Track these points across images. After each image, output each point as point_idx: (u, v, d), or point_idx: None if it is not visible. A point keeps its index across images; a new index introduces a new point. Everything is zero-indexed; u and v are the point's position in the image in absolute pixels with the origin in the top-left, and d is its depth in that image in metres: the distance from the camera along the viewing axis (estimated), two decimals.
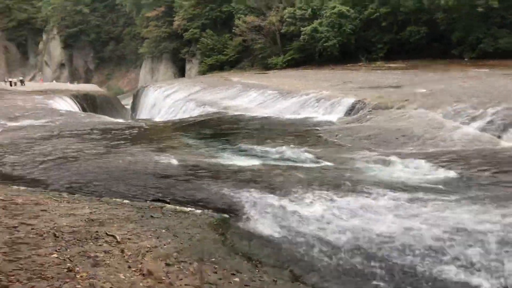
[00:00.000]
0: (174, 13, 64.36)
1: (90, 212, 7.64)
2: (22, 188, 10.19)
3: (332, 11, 41.65)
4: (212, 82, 31.38)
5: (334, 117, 19.02)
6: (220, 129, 17.63)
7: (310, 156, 12.65)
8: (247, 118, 19.92)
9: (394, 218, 7.61)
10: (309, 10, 44.38)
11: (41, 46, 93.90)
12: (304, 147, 13.62)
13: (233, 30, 53.69)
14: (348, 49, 43.68)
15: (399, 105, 17.17)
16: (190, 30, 60.22)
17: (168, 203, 8.90)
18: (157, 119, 27.42)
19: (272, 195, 8.92)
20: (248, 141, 14.95)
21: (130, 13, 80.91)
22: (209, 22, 59.59)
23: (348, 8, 41.80)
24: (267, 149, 13.62)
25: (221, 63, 57.30)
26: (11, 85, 49.24)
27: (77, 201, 8.67)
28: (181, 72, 69.18)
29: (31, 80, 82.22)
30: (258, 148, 13.89)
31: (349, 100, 19.50)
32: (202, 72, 58.75)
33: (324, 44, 42.27)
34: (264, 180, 10.09)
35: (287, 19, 46.30)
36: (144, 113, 32.38)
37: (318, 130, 16.70)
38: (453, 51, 38.08)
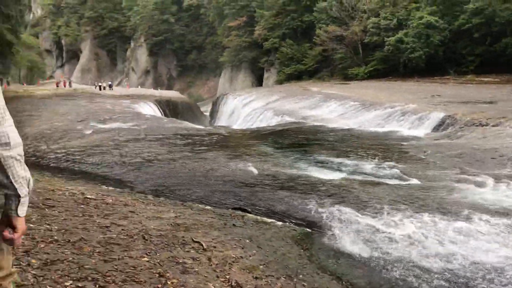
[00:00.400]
0: (255, 23, 65.44)
1: (175, 216, 7.75)
2: (110, 188, 10.65)
3: (420, 21, 40.08)
4: (291, 91, 31.33)
5: (421, 132, 18.15)
6: (299, 139, 17.44)
7: (396, 172, 12.09)
8: (327, 129, 19.56)
9: (495, 245, 6.98)
10: (395, 20, 43.12)
11: (129, 53, 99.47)
12: (389, 162, 13.07)
13: (313, 40, 53.49)
14: (435, 61, 41.77)
15: (495, 122, 16.01)
16: (270, 40, 60.89)
17: (250, 212, 8.85)
18: (235, 126, 27.79)
19: (356, 212, 8.57)
20: (329, 153, 14.62)
21: (213, 22, 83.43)
22: (289, 31, 59.91)
23: (436, 18, 40.03)
24: (350, 162, 13.21)
25: (299, 73, 57.25)
26: (100, 89, 52.50)
27: (162, 204, 8.86)
28: (259, 81, 70.03)
29: (118, 85, 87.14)
30: (340, 161, 13.52)
31: (438, 115, 18.52)
32: (280, 82, 59.02)
33: (410, 55, 40.75)
34: (347, 195, 9.75)
35: (370, 29, 45.32)
36: (222, 120, 33.04)
37: (404, 145, 15.99)
38: None
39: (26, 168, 1.82)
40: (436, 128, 18.08)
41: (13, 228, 1.78)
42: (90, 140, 17.07)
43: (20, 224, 1.79)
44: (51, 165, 13.20)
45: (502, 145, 13.65)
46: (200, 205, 9.23)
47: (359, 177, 11.72)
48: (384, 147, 15.71)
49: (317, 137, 17.77)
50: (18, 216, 1.78)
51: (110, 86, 55.25)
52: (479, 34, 38.99)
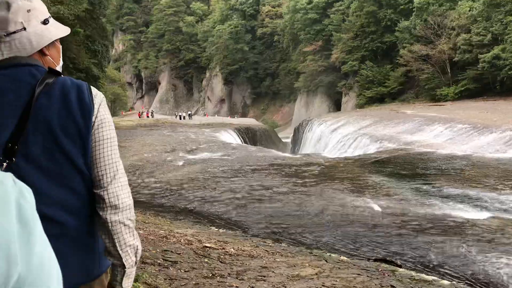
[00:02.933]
0: (332, 47, 64.06)
1: (316, 274, 6.30)
2: (221, 230, 9.44)
3: None
4: (382, 115, 29.33)
5: None
6: (412, 168, 15.52)
7: None
8: (439, 156, 17.44)
9: None
10: (489, 35, 39.84)
11: (204, 83, 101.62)
12: None
13: (395, 61, 51.03)
14: None
15: None
16: (348, 63, 59.09)
17: (400, 266, 7.19)
18: (325, 154, 26.18)
19: None
20: (455, 185, 12.63)
21: (287, 49, 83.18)
22: (368, 53, 57.84)
23: None
24: (486, 195, 11.18)
25: (381, 96, 54.73)
26: (180, 119, 53.23)
27: (290, 254, 7.44)
28: (336, 106, 68.14)
29: (194, 114, 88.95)
30: (473, 194, 11.51)
31: None
32: (360, 105, 56.76)
33: (509, 73, 37.24)
34: (510, 241, 7.81)
35: (461, 46, 42.25)
36: (308, 148, 31.55)
37: None
38: None
39: (136, 234, 1.57)
40: None
41: None
42: (184, 173, 16.23)
43: None
44: (150, 201, 12.32)
45: None
46: (332, 255, 7.70)
47: (505, 216, 9.68)
48: None
49: (432, 166, 15.75)
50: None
51: (190, 115, 56.00)
52: None
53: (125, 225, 1.53)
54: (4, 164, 1.38)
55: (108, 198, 1.50)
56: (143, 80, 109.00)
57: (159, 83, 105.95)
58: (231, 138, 37.55)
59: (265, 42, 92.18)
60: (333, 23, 64.80)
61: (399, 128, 23.80)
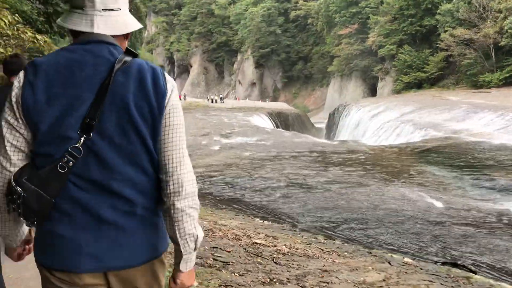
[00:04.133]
0: (368, 30, 62.08)
1: (384, 280, 5.55)
2: (266, 222, 8.77)
3: None
4: (425, 101, 27.98)
5: None
6: (466, 160, 14.46)
7: None
8: (493, 147, 16.29)
9: None
10: None
11: (236, 66, 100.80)
12: None
13: (437, 45, 48.89)
14: None
15: None
16: (386, 47, 57.07)
17: (474, 272, 6.36)
18: (364, 141, 25.17)
19: None
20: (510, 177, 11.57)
21: (321, 32, 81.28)
22: (407, 37, 55.69)
23: None
24: None
25: (419, 81, 52.76)
26: (212, 102, 52.77)
27: (348, 255, 6.70)
28: (371, 91, 66.36)
29: (225, 97, 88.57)
30: None
31: None
32: (397, 91, 54.95)
33: None
34: None
35: (508, 30, 39.97)
36: (344, 134, 30.49)
37: None
38: None
39: (197, 223, 1.56)
40: None
41: (175, 281, 1.59)
42: (222, 158, 15.63)
43: (182, 278, 1.60)
44: None
45: None
46: (394, 255, 6.92)
47: None
48: None
49: (487, 157, 14.65)
50: (180, 271, 1.59)
51: (222, 99, 55.52)
52: None
53: (186, 213, 1.53)
54: (82, 139, 1.42)
55: (173, 184, 1.50)
56: (175, 63, 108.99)
57: (191, 66, 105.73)
58: (264, 122, 36.85)
59: (298, 25, 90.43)
60: (370, 5, 62.81)
61: (444, 115, 22.54)
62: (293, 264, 5.73)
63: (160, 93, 1.45)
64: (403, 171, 12.89)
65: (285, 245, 6.66)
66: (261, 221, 8.85)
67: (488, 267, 6.50)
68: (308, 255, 6.28)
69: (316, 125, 49.08)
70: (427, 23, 53.36)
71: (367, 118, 27.75)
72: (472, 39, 44.28)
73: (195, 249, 1.57)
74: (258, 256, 5.86)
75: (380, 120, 25.72)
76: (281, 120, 43.43)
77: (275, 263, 5.69)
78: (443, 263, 6.65)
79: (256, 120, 35.91)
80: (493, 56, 44.23)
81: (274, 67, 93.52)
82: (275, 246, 6.52)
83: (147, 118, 1.45)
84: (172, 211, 1.50)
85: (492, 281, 6.00)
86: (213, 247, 5.89)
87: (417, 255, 7.05)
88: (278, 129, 28.95)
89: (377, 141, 23.44)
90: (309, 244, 7.17)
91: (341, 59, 68.10)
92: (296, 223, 8.75)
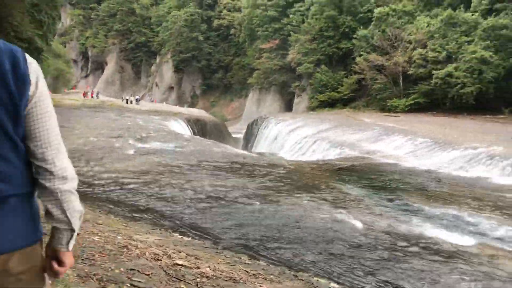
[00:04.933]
0: (289, 46, 63.38)
1: None
2: (186, 238, 8.10)
3: (473, 55, 37.54)
4: (340, 120, 28.81)
5: None
6: (383, 181, 14.83)
7: None
8: (404, 169, 16.94)
9: None
10: (444, 52, 40.57)
11: (154, 68, 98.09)
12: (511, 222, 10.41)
13: (352, 68, 51.07)
14: (485, 98, 39.02)
15: None
16: (304, 65, 58.54)
17: None
18: (281, 154, 25.28)
19: None
20: (434, 203, 12.01)
21: (243, 43, 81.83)
22: (324, 57, 57.57)
23: (491, 53, 37.48)
24: (470, 218, 10.55)
25: (333, 100, 54.68)
26: (127, 103, 50.60)
27: (274, 278, 6.27)
28: (287, 106, 67.67)
29: (140, 99, 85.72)
30: (455, 215, 10.90)
31: None
32: (312, 108, 56.53)
33: (460, 91, 38.07)
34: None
35: (416, 61, 42.77)
36: (262, 146, 30.51)
37: (508, 198, 13.28)
38: None
39: (79, 201, 1.67)
40: None
41: (61, 262, 1.65)
42: (137, 164, 14.63)
43: (68, 258, 1.68)
44: (100, 195, 10.70)
45: None
46: (320, 280, 6.61)
47: (493, 243, 9.05)
48: (488, 198, 13.03)
49: (402, 179, 15.16)
50: (68, 250, 1.67)
51: (138, 100, 53.47)
52: None
53: (73, 193, 1.60)
54: None
55: (56, 170, 1.55)
56: (90, 59, 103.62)
57: (106, 64, 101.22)
58: (181, 128, 35.90)
59: (220, 34, 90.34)
60: (292, 23, 64.21)
61: (358, 135, 23.26)
62: None
63: (21, 79, 1.42)
64: (323, 188, 12.84)
65: (209, 266, 6.07)
66: (180, 236, 8.18)
67: None
68: (235, 279, 5.75)
69: (234, 135, 48.87)
70: (344, 46, 55.64)
71: (286, 132, 27.98)
72: (384, 66, 46.81)
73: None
74: (180, 280, 5.21)
75: (297, 135, 26.01)
76: (199, 127, 42.66)
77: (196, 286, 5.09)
78: None
79: (174, 125, 34.89)
80: (401, 83, 47.07)
81: (194, 73, 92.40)
82: (198, 268, 5.90)
83: (7, 105, 1.42)
84: (60, 194, 1.56)
85: None
86: (130, 269, 5.15)
87: (342, 280, 6.80)
88: (197, 136, 28.20)
89: (294, 155, 23.61)
90: (233, 265, 6.64)
91: (261, 72, 68.88)
92: (218, 240, 8.18)
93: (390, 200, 12.19)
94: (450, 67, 39.35)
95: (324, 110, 52.44)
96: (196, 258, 6.48)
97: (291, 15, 65.49)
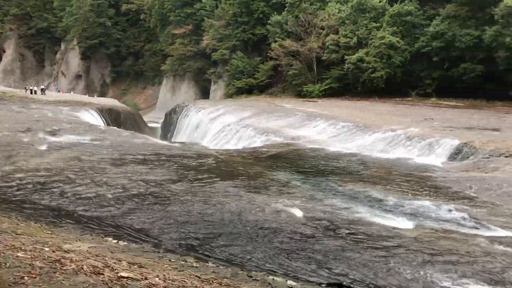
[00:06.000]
0: (202, 32, 62.20)
1: None
2: (122, 243, 7.30)
3: (382, 41, 39.30)
4: (262, 107, 28.68)
5: (435, 160, 16.28)
6: (313, 166, 14.84)
7: (465, 217, 9.82)
8: (330, 154, 17.15)
9: None
10: (355, 38, 42.06)
11: (59, 56, 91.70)
12: (443, 202, 10.82)
13: (267, 54, 51.28)
14: (394, 82, 41.16)
15: None
16: (219, 51, 57.81)
17: None
18: (204, 143, 24.65)
19: None
20: (363, 186, 12.17)
21: (154, 29, 79.03)
22: (240, 43, 57.23)
23: (398, 39, 39.48)
24: (403, 201, 10.78)
25: (250, 87, 54.72)
26: (31, 93, 46.71)
27: (230, 282, 5.75)
28: (203, 93, 66.66)
29: (46, 89, 79.95)
30: (386, 199, 11.06)
31: (452, 142, 16.78)
32: (229, 95, 56.15)
33: (371, 75, 39.74)
34: (455, 258, 7.19)
35: (329, 46, 43.90)
36: (183, 135, 29.56)
37: (432, 177, 13.90)
38: (511, 93, 35.50)
39: None
40: (452, 157, 16.29)
41: None
42: (53, 160, 13.26)
43: None
44: (15, 199, 9.42)
45: None
46: (277, 279, 6.21)
47: (433, 225, 9.26)
48: (413, 179, 13.51)
49: (330, 164, 15.29)
50: None
51: (43, 90, 49.59)
52: (438, 58, 38.82)
53: None
54: None
55: None
56: None
57: (4, 51, 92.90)
58: (94, 119, 33.78)
59: (130, 19, 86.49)
60: (205, 8, 62.99)
61: (282, 121, 23.28)
62: None
63: None
64: (257, 177, 12.51)
65: (157, 276, 5.41)
66: (115, 241, 7.36)
67: (370, 285, 6.23)
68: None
69: (150, 125, 47.17)
70: (258, 32, 55.67)
71: (207, 120, 27.31)
72: (299, 51, 47.57)
73: None
74: None
75: (220, 123, 25.49)
76: (112, 118, 40.53)
77: None
78: (328, 285, 6.19)
79: (86, 116, 32.78)
80: (315, 68, 48.17)
81: (102, 61, 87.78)
82: (146, 279, 5.23)
83: None
84: None
85: None
86: None
87: (298, 276, 6.48)
88: (113, 127, 26.61)
89: (218, 144, 23.10)
90: (181, 271, 6.03)
91: (174, 59, 67.05)
92: (158, 243, 7.48)
93: (324, 186, 12.15)
94: (361, 52, 40.90)
95: (242, 97, 52.27)
96: (140, 267, 5.78)
97: (204, 0, 64.17)
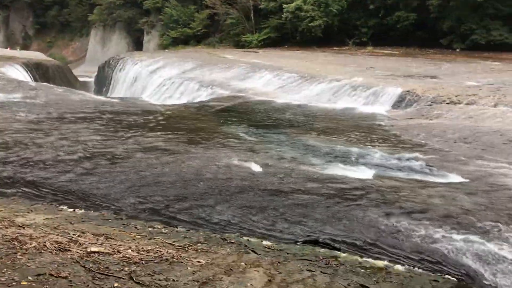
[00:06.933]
0: None
1: (269, 280, 4.54)
2: (79, 211, 6.73)
3: None
4: (204, 58, 27.66)
5: (380, 109, 16.59)
6: (263, 119, 14.60)
7: (420, 164, 10.06)
8: (279, 105, 16.97)
9: None
10: None
11: None
12: (395, 151, 11.05)
13: (203, 2, 49.30)
14: (331, 31, 41.22)
15: (468, 101, 14.96)
16: None
17: (339, 249, 5.92)
18: (145, 98, 23.58)
19: (475, 237, 6.23)
20: (318, 138, 12.16)
21: None
22: None
23: None
24: (357, 151, 10.86)
25: (186, 37, 52.70)
26: None
27: (205, 247, 5.45)
28: (136, 44, 63.52)
29: None
30: (338, 148, 11.13)
31: (395, 90, 17.10)
32: (164, 46, 53.84)
33: (309, 24, 39.42)
34: (422, 206, 7.31)
35: None
36: (120, 90, 28.07)
37: (381, 125, 14.18)
38: (441, 40, 36.79)
39: None
40: (396, 105, 16.65)
41: None
42: None
43: None
44: None
45: (501, 127, 12.46)
46: (252, 240, 6.00)
47: (387, 173, 9.43)
48: (362, 128, 13.71)
49: (280, 116, 15.13)
50: None
51: None
52: (374, 6, 39.19)
53: None
54: None
55: None
56: None
57: None
58: (21, 75, 31.23)
59: None
60: None
61: (226, 73, 22.63)
62: (161, 280, 4.21)
63: None
64: (210, 133, 12.10)
65: (130, 248, 5.00)
66: (71, 210, 6.79)
67: (345, 243, 6.17)
68: (166, 259, 4.82)
69: (81, 79, 44.41)
70: None
71: (146, 73, 26.01)
72: (235, 0, 46.15)
73: None
74: (108, 275, 4.13)
75: (160, 77, 24.34)
76: (41, 73, 37.65)
77: (138, 283, 4.08)
78: (304, 243, 6.07)
79: (12, 72, 30.12)
80: (253, 18, 47.07)
81: (23, 10, 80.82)
82: (118, 252, 4.82)
83: None
84: None
85: (359, 259, 5.68)
86: (38, 275, 3.88)
87: (273, 236, 6.30)
88: (44, 83, 24.76)
89: (159, 99, 22.18)
90: (151, 239, 5.64)
91: (103, 8, 62.97)
92: (119, 209, 6.99)
93: (278, 139, 11.99)
94: (299, 1, 40.27)
95: (178, 48, 50.34)
96: (107, 238, 5.32)
97: None
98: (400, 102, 16.68)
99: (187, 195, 7.53)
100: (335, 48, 38.41)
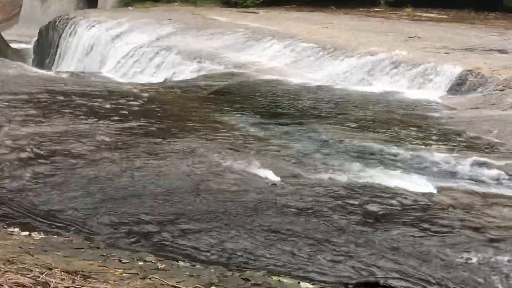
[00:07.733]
0: None
1: None
2: (37, 237, 6.45)
3: None
4: (186, 20, 27.23)
5: (432, 94, 16.44)
6: (275, 107, 14.36)
7: (495, 173, 9.92)
8: (293, 88, 16.70)
9: None
10: None
11: None
12: (460, 153, 10.92)
13: None
14: None
15: None
16: None
17: None
18: (105, 73, 23.21)
19: None
20: (353, 135, 11.95)
21: None
22: None
23: None
24: (410, 155, 10.69)
25: None
26: None
27: None
28: (88, 1, 63.09)
29: None
30: (384, 150, 10.94)
31: (453, 69, 16.89)
32: (127, 3, 53.48)
33: None
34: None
35: None
36: (71, 62, 27.53)
37: (434, 117, 14.04)
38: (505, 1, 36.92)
39: None
40: (454, 90, 16.46)
41: None
42: None
43: None
44: None
45: None
46: (284, 280, 5.78)
47: (454, 185, 9.27)
48: (413, 120, 13.58)
49: (298, 103, 14.95)
50: None
51: None
52: None
53: None
54: None
55: None
56: None
57: None
58: None
59: None
60: None
61: (218, 42, 22.33)
62: None
63: None
64: (206, 124, 11.90)
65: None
66: (27, 233, 6.52)
67: (412, 282, 5.97)
68: None
69: (13, 45, 43.90)
70: None
71: (107, 39, 25.55)
72: None
73: None
74: None
75: (127, 44, 23.92)
76: None
77: None
78: (358, 285, 5.85)
79: None
80: None
81: None
82: None
83: None
84: None
85: None
86: None
87: (310, 277, 6.07)
88: None
89: (127, 75, 21.84)
90: (144, 278, 5.37)
91: None
92: (91, 232, 6.73)
93: (301, 136, 11.77)
94: None
95: (146, 5, 49.96)
96: (85, 278, 5.04)
97: None
98: (459, 86, 16.49)
99: (185, 213, 7.31)
100: (360, 9, 38.28)
